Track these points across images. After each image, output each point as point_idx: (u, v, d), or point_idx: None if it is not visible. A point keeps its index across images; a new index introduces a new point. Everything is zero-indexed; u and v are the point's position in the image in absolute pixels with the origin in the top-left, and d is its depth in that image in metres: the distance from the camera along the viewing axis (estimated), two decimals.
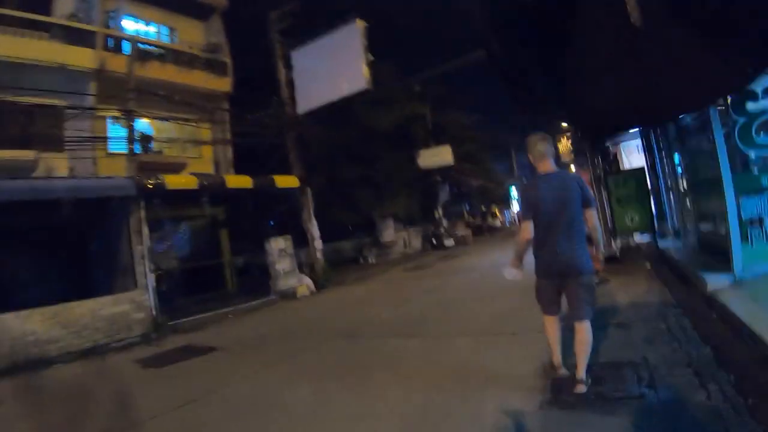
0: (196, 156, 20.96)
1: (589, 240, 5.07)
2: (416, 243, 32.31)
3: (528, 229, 4.96)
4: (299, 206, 20.19)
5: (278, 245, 18.47)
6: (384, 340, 8.82)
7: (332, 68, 18.48)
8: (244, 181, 17.93)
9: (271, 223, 21.74)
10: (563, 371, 5.12)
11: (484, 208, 47.47)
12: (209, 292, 18.52)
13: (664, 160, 12.70)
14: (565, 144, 64.99)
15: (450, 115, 35.10)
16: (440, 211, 33.99)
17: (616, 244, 13.09)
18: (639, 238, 13.56)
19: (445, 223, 33.88)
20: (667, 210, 13.52)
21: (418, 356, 7.48)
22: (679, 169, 11.63)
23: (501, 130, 54.56)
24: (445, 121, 34.42)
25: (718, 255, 8.34)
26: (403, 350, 7.96)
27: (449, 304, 11.37)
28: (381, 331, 9.71)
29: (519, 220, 5.92)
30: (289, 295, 17.73)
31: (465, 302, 11.16)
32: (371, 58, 17.35)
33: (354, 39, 17.76)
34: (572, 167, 74.25)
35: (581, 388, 4.75)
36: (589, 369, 4.95)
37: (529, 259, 5.20)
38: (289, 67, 20.22)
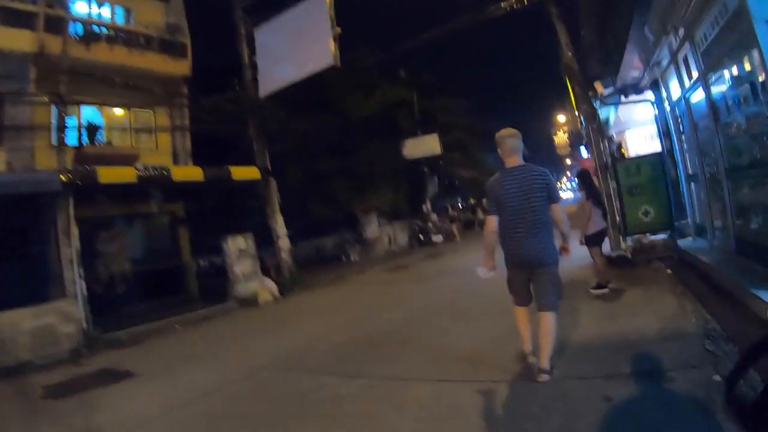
0: (152, 147, 18.91)
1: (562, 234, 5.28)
2: (402, 239, 30.21)
3: (492, 223, 5.20)
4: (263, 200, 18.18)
5: (237, 245, 16.56)
6: (319, 380, 6.67)
7: (296, 45, 16.43)
8: (193, 173, 16.05)
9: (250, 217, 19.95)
10: (533, 359, 5.25)
11: (473, 201, 45.24)
12: (166, 297, 16.89)
13: (687, 139, 10.51)
14: (561, 137, 63.10)
15: (438, 101, 32.87)
16: (429, 204, 31.89)
17: (627, 244, 11.04)
18: (653, 237, 11.25)
19: (434, 217, 31.71)
20: (687, 203, 11.29)
21: (352, 413, 5.41)
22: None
23: (492, 119, 53.16)
24: (433, 108, 32.24)
25: (764, 260, 6.40)
26: (335, 400, 5.83)
27: (420, 322, 9.20)
28: (322, 364, 7.64)
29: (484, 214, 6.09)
30: (250, 302, 15.88)
31: (440, 321, 9.06)
32: (338, 31, 15.28)
33: (319, 12, 15.69)
34: (567, 161, 72.34)
35: (544, 378, 4.97)
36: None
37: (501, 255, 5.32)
38: (252, 47, 18.25)
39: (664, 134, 11.45)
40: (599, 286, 8.53)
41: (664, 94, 11.12)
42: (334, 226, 30.30)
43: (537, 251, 5.01)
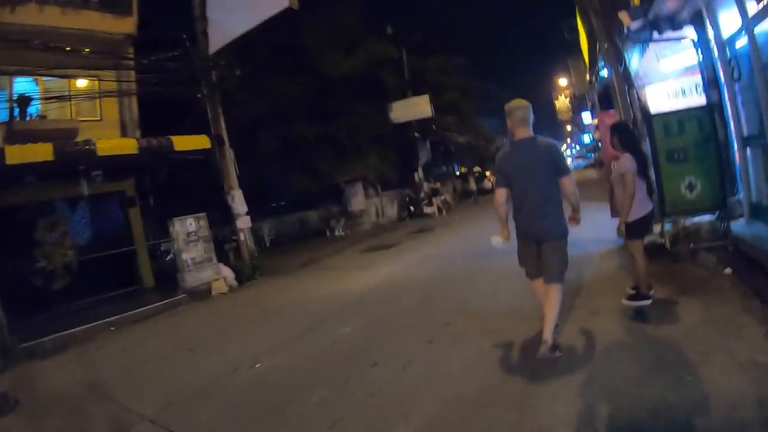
0: (95, 118, 16.21)
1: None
2: (391, 211, 27.55)
3: (500, 196, 5.07)
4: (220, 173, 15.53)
5: (185, 228, 13.97)
6: None
7: None
8: (124, 146, 13.43)
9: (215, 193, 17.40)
10: (546, 351, 4.75)
11: (464, 169, 42.41)
12: (117, 289, 14.73)
13: (744, 89, 7.61)
14: (562, 102, 60.37)
15: (430, 60, 29.86)
16: (421, 172, 29.08)
17: (664, 228, 8.06)
18: (696, 219, 8.24)
19: (426, 187, 28.91)
20: (739, 174, 8.22)
21: None
22: None
23: (490, 81, 50.16)
24: (424, 68, 29.27)
25: None
26: None
27: (376, 345, 6.44)
28: (219, 412, 5.17)
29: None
30: (203, 293, 13.50)
31: (404, 340, 6.35)
32: None
33: None
34: (568, 127, 69.85)
35: (544, 350, 4.71)
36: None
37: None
38: None
39: (709, 84, 8.56)
40: (638, 296, 5.73)
41: (711, 32, 8.25)
42: (321, 198, 27.87)
43: (545, 224, 4.90)
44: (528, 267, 5.28)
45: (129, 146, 13.31)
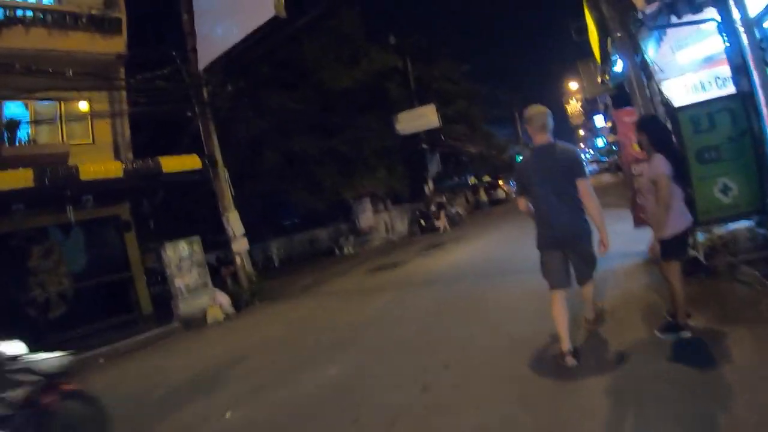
0: (87, 141, 15.52)
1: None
2: (402, 226, 26.65)
3: (522, 203, 5.09)
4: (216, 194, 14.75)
5: (178, 252, 13.20)
6: None
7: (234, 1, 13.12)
8: (109, 170, 12.64)
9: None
10: (572, 361, 4.68)
11: (474, 180, 41.18)
12: (114, 317, 14.16)
13: None
14: (573, 106, 59.33)
15: (436, 67, 28.93)
16: (431, 185, 28.10)
17: (697, 239, 6.74)
18: (731, 226, 6.91)
19: (437, 199, 27.95)
20: None
21: None
22: None
23: (499, 87, 49.15)
24: (430, 77, 28.36)
25: None
26: None
27: (365, 389, 5.47)
28: None
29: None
30: (198, 322, 12.79)
31: (394, 386, 5.31)
32: None
33: None
34: (581, 131, 68.75)
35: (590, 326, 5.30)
36: None
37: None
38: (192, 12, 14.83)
39: (738, 71, 7.50)
40: (675, 326, 4.70)
41: (736, 13, 7.22)
42: (330, 216, 27.07)
43: (570, 228, 4.78)
44: (552, 277, 5.00)
45: (114, 170, 12.55)
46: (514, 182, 5.64)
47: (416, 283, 11.44)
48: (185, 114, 14.88)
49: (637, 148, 7.55)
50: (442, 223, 24.72)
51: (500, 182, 40.05)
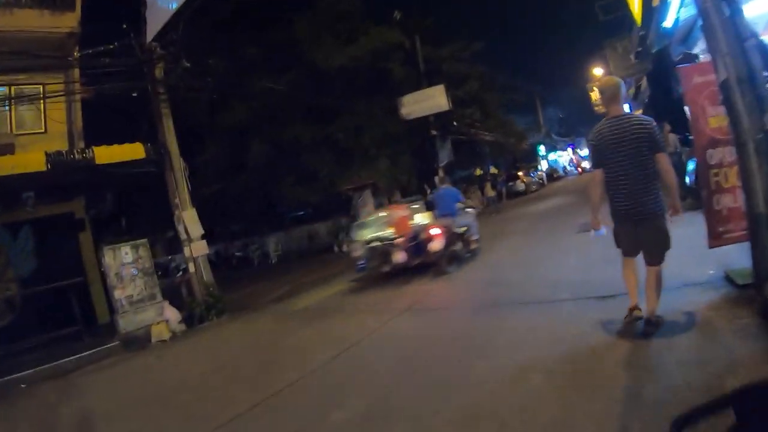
0: (39, 130, 13.83)
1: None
2: None
3: (597, 176, 5.03)
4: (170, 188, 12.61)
5: (119, 258, 11.13)
6: None
7: None
8: (28, 163, 10.57)
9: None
10: (639, 312, 4.88)
11: (480, 171, 38.29)
12: (66, 326, 11.89)
13: None
14: (596, 95, 56.91)
15: (445, 47, 26.41)
16: (441, 175, 25.70)
17: None
18: None
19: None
20: None
21: None
22: None
23: (521, 75, 46.55)
24: (437, 56, 25.88)
25: None
26: None
27: None
28: None
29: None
30: (142, 340, 10.90)
31: None
32: None
33: None
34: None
35: (651, 329, 4.76)
36: None
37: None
38: None
39: None
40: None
41: None
42: (332, 209, 25.11)
43: (642, 203, 4.70)
44: (625, 246, 5.07)
45: (33, 163, 10.47)
46: (590, 153, 5.35)
47: (397, 309, 8.72)
48: (130, 94, 12.86)
49: (715, 123, 5.51)
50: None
51: (520, 173, 37.54)
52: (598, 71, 49.54)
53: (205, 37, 19.02)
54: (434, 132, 24.94)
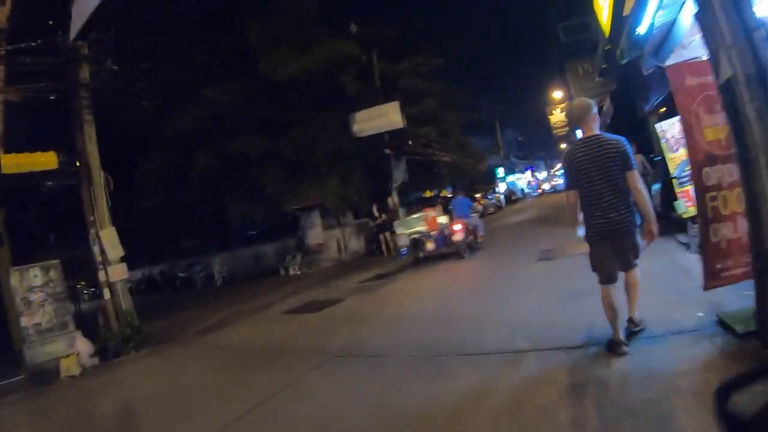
0: None
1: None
2: (357, 245, 23.24)
3: (572, 197, 5.12)
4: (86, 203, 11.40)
5: (27, 281, 9.94)
6: None
7: None
8: None
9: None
10: (626, 349, 4.86)
11: (430, 193, 37.47)
12: None
13: None
14: (557, 117, 56.96)
15: (403, 62, 25.46)
16: (395, 197, 24.81)
17: None
18: None
19: (402, 213, 24.54)
20: None
21: None
22: None
23: (483, 97, 46.22)
24: (395, 71, 24.94)
25: None
26: None
27: None
28: None
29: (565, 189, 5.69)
30: (51, 375, 9.60)
31: None
32: None
33: None
34: (563, 145, 66.97)
35: (632, 327, 5.09)
36: None
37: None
38: None
39: None
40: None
41: None
42: (281, 229, 24.09)
43: (617, 221, 4.81)
44: (602, 269, 5.05)
45: None
46: (565, 177, 5.23)
47: (324, 354, 7.48)
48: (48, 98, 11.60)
49: (712, 135, 4.75)
50: (386, 246, 21.13)
51: (477, 195, 36.96)
52: (557, 94, 49.70)
53: (154, 41, 18.09)
54: (388, 151, 24.10)
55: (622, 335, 4.88)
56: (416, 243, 16.23)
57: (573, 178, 5.03)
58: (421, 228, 16.30)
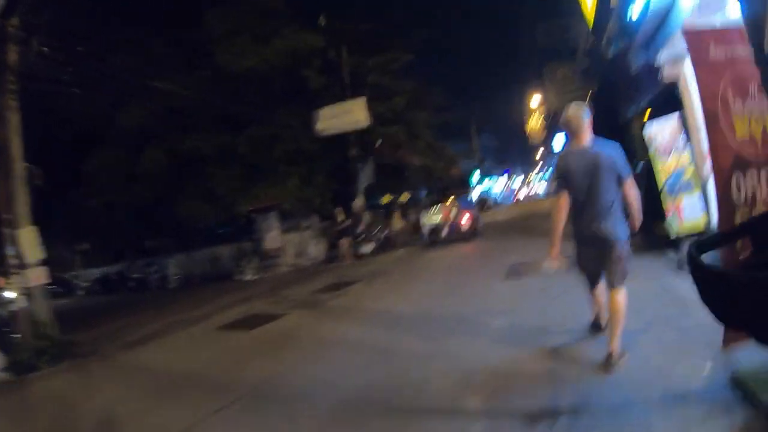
0: None
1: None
2: (317, 250, 22.11)
3: (563, 200, 5.04)
4: None
5: None
6: None
7: None
8: None
9: None
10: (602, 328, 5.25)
11: (389, 197, 36.52)
12: None
13: None
14: (534, 124, 56.60)
15: (370, 58, 24.50)
16: (361, 200, 23.81)
17: None
18: None
19: (367, 217, 23.58)
20: None
21: None
22: None
23: (458, 100, 45.66)
24: (363, 67, 23.94)
25: None
26: None
27: None
28: None
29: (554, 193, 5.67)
30: None
31: None
32: None
33: None
34: (540, 151, 66.75)
35: (610, 361, 4.61)
36: None
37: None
38: None
39: None
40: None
41: None
42: (244, 231, 23.28)
43: (605, 231, 4.82)
44: (588, 275, 5.24)
45: None
46: (557, 180, 5.07)
47: (244, 387, 6.33)
48: None
49: (744, 129, 3.55)
50: (345, 253, 20.22)
51: (450, 200, 36.03)
52: (534, 101, 49.19)
53: (101, 27, 17.16)
54: (354, 152, 23.16)
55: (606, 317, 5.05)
56: (434, 230, 21.18)
57: (565, 184, 4.98)
58: (438, 218, 21.28)
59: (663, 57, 7.22)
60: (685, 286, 5.95)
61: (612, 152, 4.89)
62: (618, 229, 4.87)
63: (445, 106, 32.23)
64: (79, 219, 24.97)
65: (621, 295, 4.81)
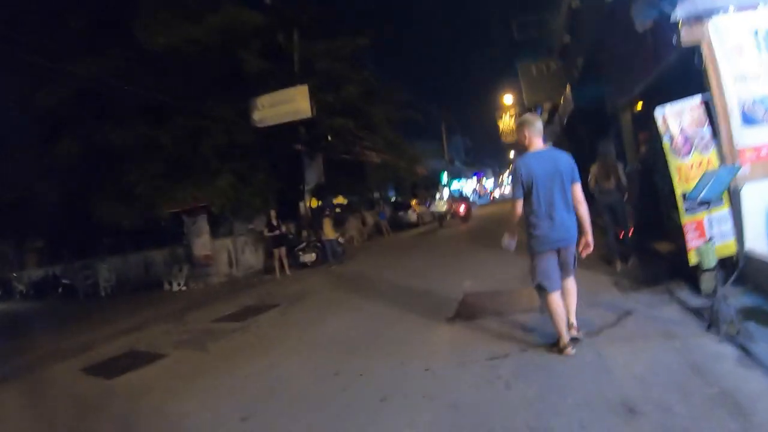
0: None
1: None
2: (254, 258, 19.69)
3: (519, 205, 5.27)
4: None
5: None
6: None
7: None
8: None
9: None
10: (572, 351, 5.18)
11: (342, 199, 34.55)
12: None
13: None
14: (506, 123, 55.11)
15: (320, 42, 22.16)
16: (308, 201, 21.55)
17: None
18: None
19: (311, 221, 21.19)
20: None
21: None
22: None
23: (428, 100, 44.20)
24: (311, 52, 21.63)
25: None
26: None
27: None
28: None
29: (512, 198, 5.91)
30: None
31: None
32: None
33: None
34: (512, 153, 66.26)
35: (574, 332, 5.29)
36: None
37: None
38: None
39: None
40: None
41: None
42: (172, 234, 21.15)
43: (569, 229, 5.15)
44: (551, 278, 5.29)
45: None
46: (516, 186, 5.18)
47: None
48: None
49: None
50: (279, 264, 17.10)
51: (413, 201, 34.25)
52: (508, 99, 47.73)
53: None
54: (299, 146, 20.89)
55: (567, 338, 5.18)
56: (437, 217, 30.66)
57: (524, 188, 5.16)
58: (440, 207, 31.65)
59: (681, 11, 5.42)
60: (726, 364, 3.92)
61: (567, 157, 5.23)
62: (575, 227, 5.20)
63: (408, 101, 30.17)
64: (27, 213, 22.44)
65: (573, 281, 5.43)
